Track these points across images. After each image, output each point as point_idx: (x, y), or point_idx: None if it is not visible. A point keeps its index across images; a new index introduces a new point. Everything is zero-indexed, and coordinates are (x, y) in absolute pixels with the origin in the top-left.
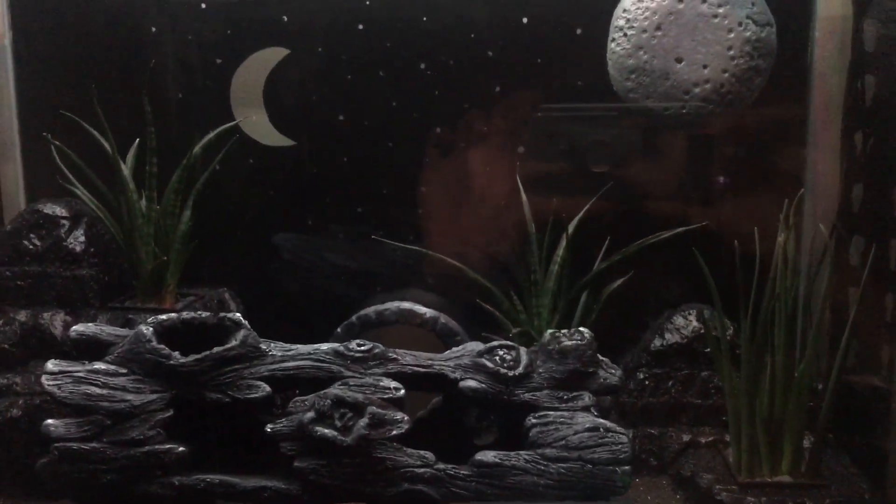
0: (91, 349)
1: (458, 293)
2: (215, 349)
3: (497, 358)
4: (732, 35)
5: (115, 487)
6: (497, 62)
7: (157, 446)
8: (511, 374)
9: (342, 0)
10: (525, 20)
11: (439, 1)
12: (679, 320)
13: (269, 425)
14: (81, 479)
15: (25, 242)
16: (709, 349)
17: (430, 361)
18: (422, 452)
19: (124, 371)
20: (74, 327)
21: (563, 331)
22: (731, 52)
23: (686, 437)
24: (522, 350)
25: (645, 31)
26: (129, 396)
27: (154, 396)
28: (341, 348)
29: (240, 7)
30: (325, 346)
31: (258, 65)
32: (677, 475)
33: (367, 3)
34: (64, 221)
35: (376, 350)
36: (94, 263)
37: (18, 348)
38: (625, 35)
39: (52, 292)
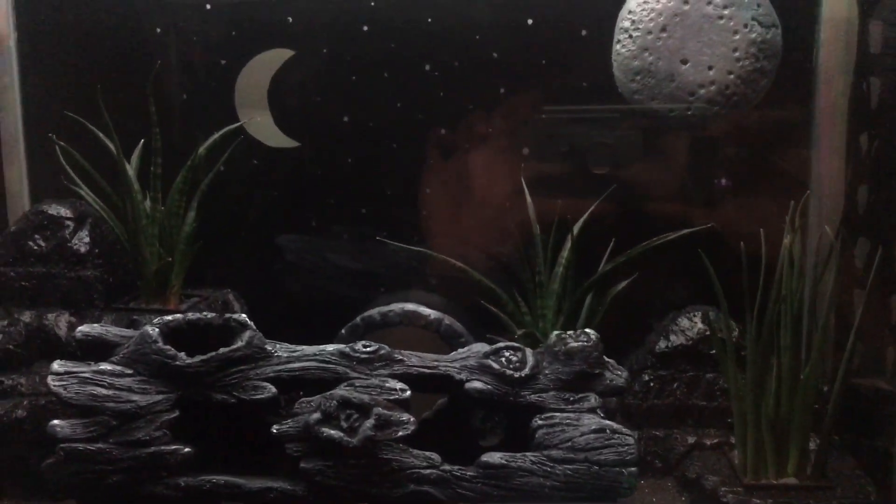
0: (96, 350)
1: (462, 295)
2: (221, 350)
3: (503, 359)
4: (738, 37)
5: (120, 488)
6: (502, 63)
7: (162, 447)
8: (517, 375)
9: (347, 1)
10: (530, 22)
11: (444, 2)
12: (684, 322)
13: (274, 426)
14: (87, 479)
15: (30, 243)
16: (714, 351)
17: (435, 363)
18: (428, 454)
19: (130, 372)
20: (80, 328)
21: (569, 332)
22: (737, 54)
23: (691, 439)
24: (528, 351)
25: (650, 32)
26: (135, 397)
27: (160, 397)
28: (347, 349)
29: (244, 8)
30: (330, 348)
31: (263, 66)
32: (682, 477)
33: (372, 4)
34: (68, 222)
35: (382, 351)
36: (98, 264)
37: (23, 349)
38: (630, 37)
39: (57, 293)
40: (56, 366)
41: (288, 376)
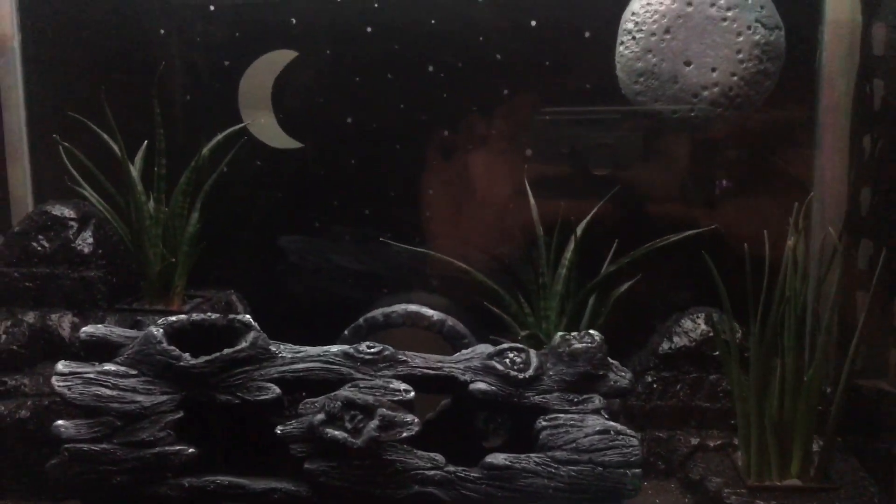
0: (101, 350)
1: (465, 296)
2: (226, 351)
3: (507, 360)
4: (741, 38)
5: (124, 489)
6: (505, 65)
7: (167, 448)
8: (521, 376)
9: (350, 3)
10: (533, 23)
11: (448, 4)
12: (687, 323)
13: (279, 427)
14: (91, 480)
15: (34, 244)
16: (717, 352)
17: (439, 364)
18: (432, 455)
19: (134, 372)
20: (84, 328)
21: (573, 333)
22: (740, 56)
23: (694, 441)
24: (532, 353)
25: (654, 34)
26: (140, 398)
27: (164, 398)
28: (351, 350)
29: (248, 9)
30: (334, 349)
31: (266, 67)
32: (686, 479)
33: (376, 5)
34: (72, 223)
35: (386, 352)
36: (101, 265)
37: (27, 349)
38: (633, 38)
39: (60, 294)
40: (60, 366)
41: (292, 377)
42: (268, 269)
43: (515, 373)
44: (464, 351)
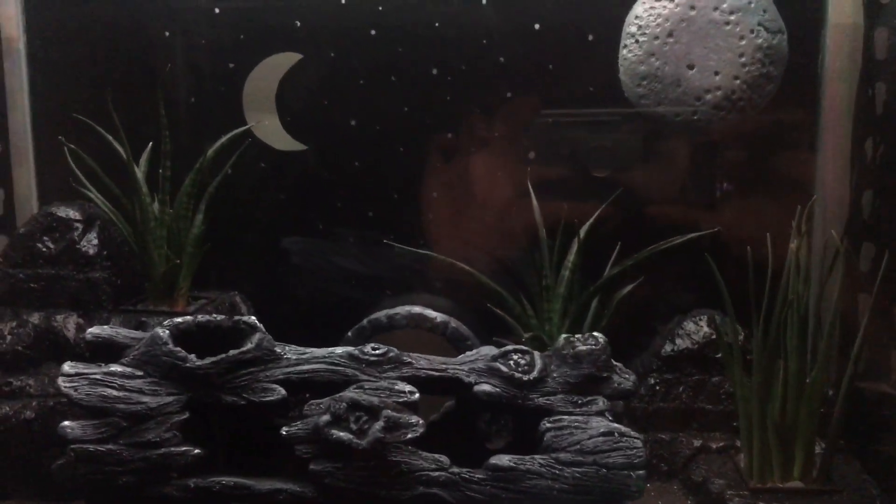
0: (106, 351)
1: (468, 298)
2: (231, 352)
3: (511, 362)
4: (744, 42)
5: (130, 489)
6: (509, 68)
7: (172, 448)
8: (526, 378)
9: (355, 6)
10: (537, 26)
11: (451, 7)
12: (690, 326)
13: (284, 428)
14: (97, 480)
15: (39, 245)
16: (720, 355)
17: (444, 365)
18: (437, 456)
19: (140, 373)
20: (90, 329)
21: (576, 336)
22: (743, 59)
23: (697, 443)
24: (537, 355)
25: (657, 37)
26: (146, 399)
27: (170, 399)
28: (356, 352)
29: (253, 12)
30: (339, 350)
31: (271, 70)
32: (688, 480)
33: (380, 8)
34: (77, 224)
35: (391, 354)
36: (106, 266)
37: (32, 350)
38: (637, 42)
39: (65, 295)
40: (67, 367)
41: (297, 378)
42: (271, 271)
43: (520, 375)
44: (468, 353)
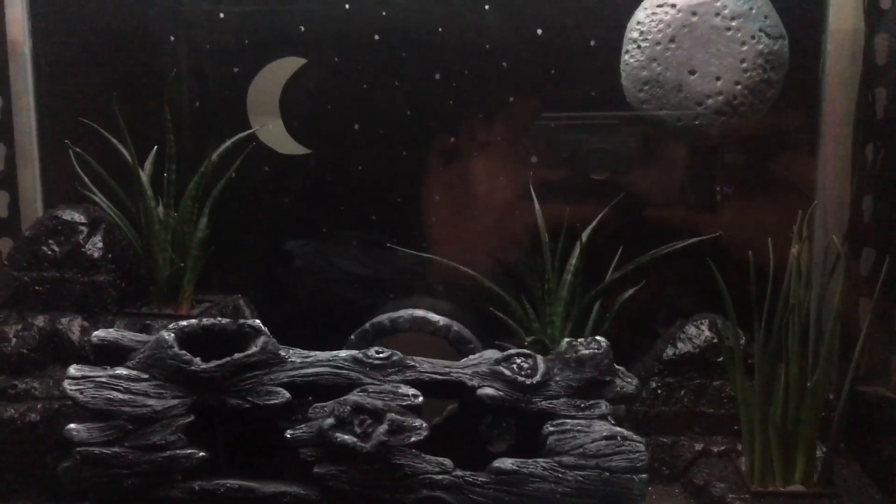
0: (112, 354)
1: (470, 301)
2: (236, 355)
3: (514, 366)
4: (745, 48)
5: (135, 492)
6: (511, 73)
7: (177, 451)
8: (529, 382)
9: (359, 11)
10: (540, 32)
11: (455, 12)
12: (691, 330)
13: (288, 431)
14: (103, 483)
15: (44, 248)
16: (721, 359)
17: (447, 369)
18: (440, 459)
19: (146, 376)
20: (96, 332)
21: (579, 340)
22: (744, 65)
23: (698, 446)
24: (539, 358)
25: (659, 43)
26: (151, 401)
27: (175, 402)
28: (360, 355)
29: (257, 17)
30: (343, 353)
31: (275, 74)
32: (690, 484)
33: (384, 13)
34: (82, 228)
35: (395, 357)
36: (111, 269)
37: (37, 353)
38: (639, 47)
39: (70, 298)
40: (72, 370)
41: (301, 382)
42: (275, 274)
43: (523, 378)
44: (471, 356)
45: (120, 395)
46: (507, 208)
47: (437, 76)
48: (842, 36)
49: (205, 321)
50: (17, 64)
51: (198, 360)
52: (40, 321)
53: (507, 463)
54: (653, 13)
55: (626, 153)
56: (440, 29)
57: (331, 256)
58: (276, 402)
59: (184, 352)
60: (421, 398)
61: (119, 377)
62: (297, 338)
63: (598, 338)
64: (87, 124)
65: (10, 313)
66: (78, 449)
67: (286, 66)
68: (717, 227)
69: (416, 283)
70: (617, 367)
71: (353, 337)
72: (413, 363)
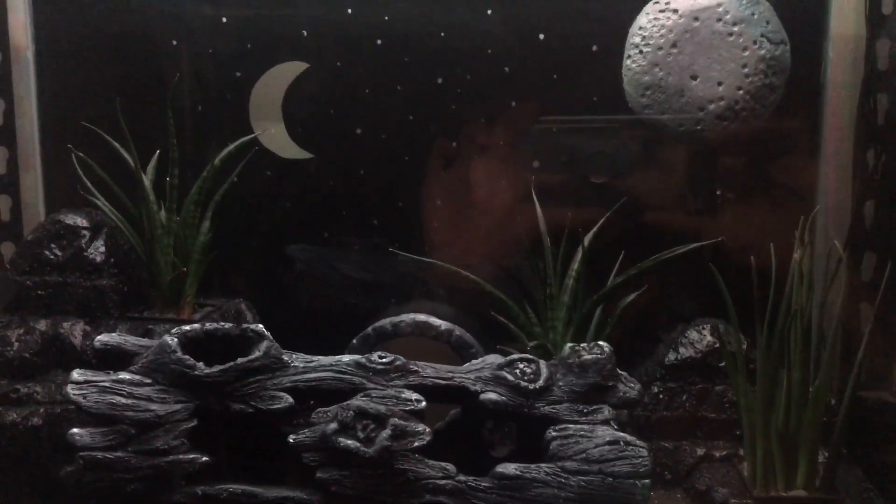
0: (114, 359)
1: (472, 305)
2: (239, 360)
3: (517, 371)
4: (747, 53)
5: (138, 496)
6: (514, 78)
7: (181, 456)
8: (531, 387)
9: (361, 15)
10: (541, 37)
11: (457, 17)
12: (693, 334)
13: (291, 436)
14: (106, 487)
15: (46, 252)
16: (723, 363)
17: (450, 374)
18: (443, 464)
19: (149, 381)
20: (98, 337)
21: (582, 345)
22: (746, 70)
23: (700, 451)
24: (542, 363)
25: (661, 48)
26: (154, 406)
27: (178, 406)
28: (363, 360)
29: (260, 21)
30: (346, 358)
31: (277, 78)
32: (692, 489)
33: (386, 18)
34: (84, 232)
35: (398, 362)
36: (113, 274)
37: (39, 357)
38: (640, 52)
39: (73, 302)
40: (76, 374)
41: (304, 386)
42: (277, 279)
43: (526, 383)
44: (474, 361)
45: (123, 400)
46: (509, 213)
47: (440, 81)
48: (843, 41)
49: (208, 326)
50: (20, 68)
51: (201, 364)
52: (42, 325)
53: (510, 468)
54: (655, 18)
55: (627, 157)
56: (442, 34)
57: (333, 261)
58: (279, 406)
59: (187, 356)
60: (424, 403)
61: (122, 382)
62: (299, 342)
63: (600, 343)
64: (89, 128)
65: (12, 317)
66: (81, 453)
67: (288, 71)
68: (719, 232)
69: (417, 287)
70: (619, 372)
71: (355, 341)
72: (416, 368)
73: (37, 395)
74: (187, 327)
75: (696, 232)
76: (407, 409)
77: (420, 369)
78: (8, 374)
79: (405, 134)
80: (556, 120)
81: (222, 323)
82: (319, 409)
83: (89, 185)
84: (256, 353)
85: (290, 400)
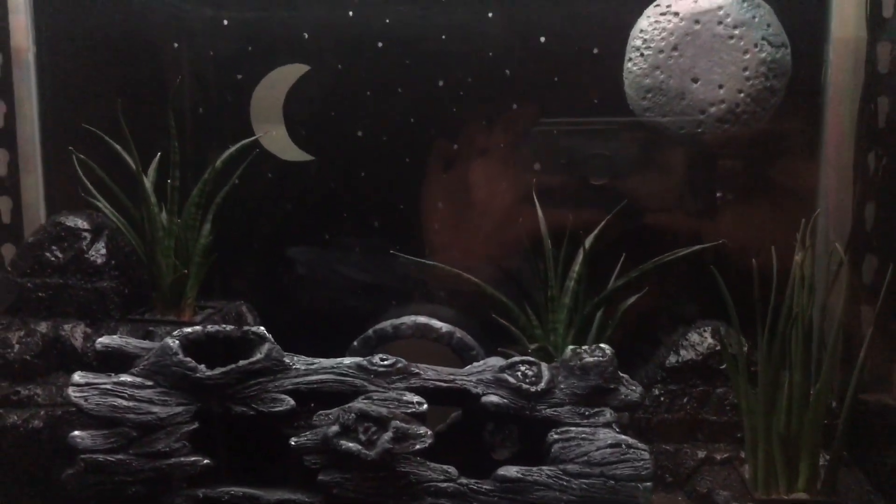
0: (115, 361)
1: (472, 308)
2: (241, 362)
3: (519, 373)
4: (748, 56)
5: (140, 499)
6: (514, 80)
7: (182, 458)
8: (533, 389)
9: (362, 18)
10: (542, 39)
11: (458, 20)
12: (694, 337)
13: (293, 438)
14: (107, 490)
15: (47, 254)
16: (724, 366)
17: (451, 376)
18: (445, 467)
19: (150, 383)
20: (100, 339)
21: (584, 347)
22: (747, 73)
23: (701, 454)
24: (544, 366)
25: (662, 51)
26: (156, 409)
27: (180, 409)
28: (364, 362)
29: (261, 24)
30: (348, 360)
31: (278, 81)
32: (693, 492)
33: (387, 21)
34: (85, 234)
35: (399, 364)
36: (114, 276)
37: (40, 359)
38: (641, 55)
39: (73, 304)
40: (77, 377)
41: (306, 389)
42: (278, 281)
43: (527, 386)
44: (475, 364)
45: (124, 403)
46: (510, 215)
47: (441, 83)
48: (844, 44)
49: (209, 328)
50: (21, 70)
51: (202, 367)
52: (43, 327)
53: (511, 471)
54: (656, 21)
55: (628, 160)
56: (443, 36)
57: (333, 263)
58: (280, 409)
59: (189, 359)
60: (426, 406)
61: (123, 384)
62: (299, 344)
63: (602, 345)
64: (90, 130)
65: (12, 319)
66: (82, 456)
67: (290, 73)
68: (720, 235)
69: (418, 289)
70: (621, 374)
71: (355, 343)
72: (417, 370)
73: (37, 397)
74: (189, 329)
75: (697, 234)
76: (408, 411)
77: (421, 372)
78: (9, 377)
79: (406, 136)
80: (556, 122)
81: (224, 325)
82: (321, 412)
83: (90, 186)
84: (258, 356)
85: (292, 402)
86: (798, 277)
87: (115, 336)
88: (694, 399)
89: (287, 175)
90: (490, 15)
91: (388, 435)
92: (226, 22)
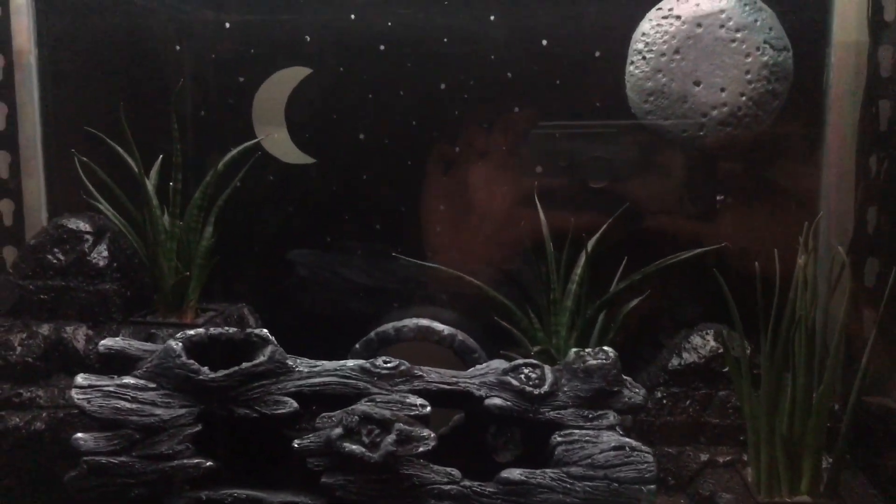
0: (118, 363)
1: (474, 310)
2: (244, 365)
3: (522, 376)
4: (750, 59)
5: (142, 501)
6: (516, 83)
7: (185, 461)
8: (536, 392)
9: (364, 21)
10: (544, 42)
11: (460, 23)
12: (696, 340)
13: (296, 441)
14: (109, 492)
15: (49, 257)
16: (727, 369)
17: (454, 379)
18: (448, 469)
19: (153, 386)
20: (103, 341)
21: (587, 350)
22: (749, 76)
23: (704, 457)
24: (547, 369)
25: (664, 54)
26: (159, 411)
27: (183, 411)
28: (367, 365)
29: (263, 27)
30: (350, 363)
31: (280, 83)
32: (696, 494)
33: (389, 24)
34: (87, 236)
35: (402, 367)
36: (116, 278)
37: (42, 362)
38: (643, 58)
39: (75, 306)
40: (80, 379)
41: (309, 391)
42: (280, 283)
43: (531, 388)
44: (478, 366)
45: (127, 405)
46: (512, 217)
47: (442, 86)
48: (846, 48)
49: (212, 330)
50: (23, 72)
51: (205, 369)
52: (45, 330)
53: (514, 473)
54: (658, 24)
55: (630, 163)
56: (445, 39)
57: (335, 265)
58: (283, 411)
59: (192, 361)
60: (429, 408)
61: (126, 386)
62: (302, 347)
63: (605, 348)
64: (92, 133)
65: (14, 322)
66: (85, 458)
67: (291, 76)
68: (722, 238)
69: (420, 292)
70: (624, 377)
71: (357, 346)
72: (420, 373)
73: (40, 399)
74: (192, 332)
75: (700, 237)
76: (412, 414)
77: (425, 374)
78: (11, 379)
79: (408, 139)
80: (558, 125)
81: (226, 327)
82: (324, 414)
83: (92, 189)
84: (261, 358)
85: (295, 405)
86: (800, 280)
87: (117, 338)
88: (696, 402)
89: (289, 178)
90: (492, 18)
91: (391, 437)
92: (228, 24)
